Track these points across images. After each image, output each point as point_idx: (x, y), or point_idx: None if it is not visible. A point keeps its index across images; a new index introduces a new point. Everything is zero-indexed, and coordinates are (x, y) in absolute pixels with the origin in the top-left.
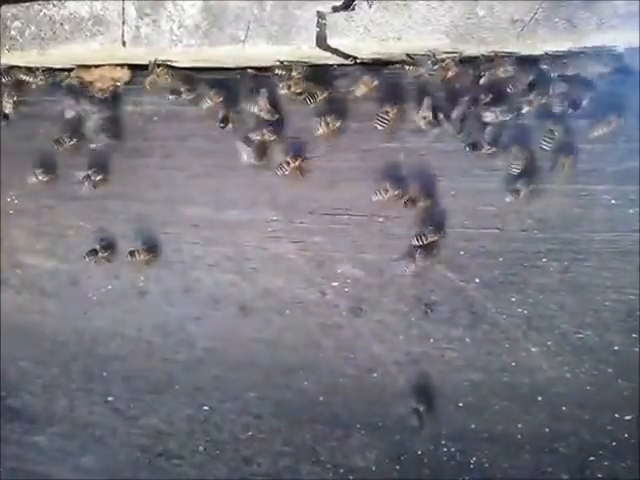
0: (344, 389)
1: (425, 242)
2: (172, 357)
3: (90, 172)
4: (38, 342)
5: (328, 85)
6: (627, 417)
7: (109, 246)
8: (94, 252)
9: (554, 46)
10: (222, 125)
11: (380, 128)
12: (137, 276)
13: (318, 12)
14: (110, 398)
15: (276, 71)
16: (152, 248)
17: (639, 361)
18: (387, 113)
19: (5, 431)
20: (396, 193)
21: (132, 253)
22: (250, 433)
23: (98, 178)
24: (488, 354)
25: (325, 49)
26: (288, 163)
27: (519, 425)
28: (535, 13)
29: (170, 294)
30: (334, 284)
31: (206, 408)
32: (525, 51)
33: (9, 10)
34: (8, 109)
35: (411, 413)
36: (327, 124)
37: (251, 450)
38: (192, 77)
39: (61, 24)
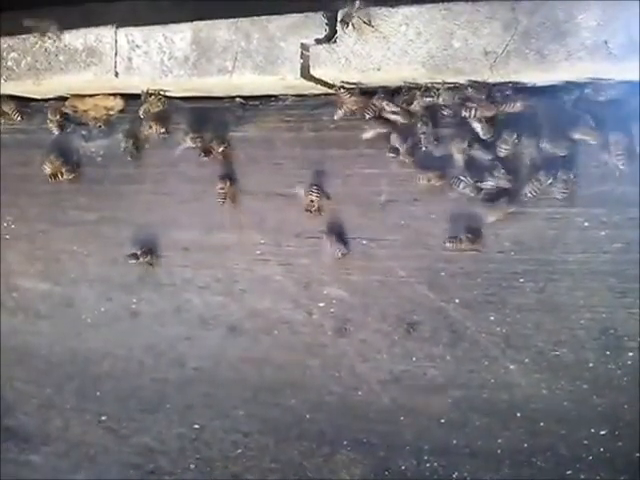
0: (330, 407)
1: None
2: (163, 377)
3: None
4: (33, 363)
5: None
6: (602, 432)
7: (150, 251)
8: (135, 256)
9: (525, 76)
10: (205, 156)
11: None
12: (129, 298)
13: (302, 44)
14: (103, 417)
15: None
16: None
17: (613, 377)
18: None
19: (1, 450)
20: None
21: None
22: (239, 450)
23: None
24: (468, 372)
25: (309, 79)
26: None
27: (499, 440)
28: (507, 45)
29: (161, 315)
30: (320, 305)
31: (196, 426)
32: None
33: (6, 42)
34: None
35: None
36: None
37: (240, 467)
38: None
39: (56, 55)
